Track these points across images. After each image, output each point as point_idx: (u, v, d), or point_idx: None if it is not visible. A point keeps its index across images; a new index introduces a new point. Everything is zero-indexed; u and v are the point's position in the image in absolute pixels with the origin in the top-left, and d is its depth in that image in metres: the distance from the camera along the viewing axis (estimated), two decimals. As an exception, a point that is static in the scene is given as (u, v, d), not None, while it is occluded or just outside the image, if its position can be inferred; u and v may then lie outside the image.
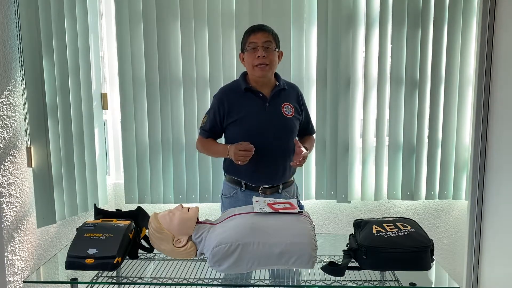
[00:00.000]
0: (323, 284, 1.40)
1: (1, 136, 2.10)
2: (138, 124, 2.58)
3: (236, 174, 1.98)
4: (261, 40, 1.86)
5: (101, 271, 1.48)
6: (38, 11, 2.18)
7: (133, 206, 1.74)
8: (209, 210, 2.64)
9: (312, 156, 2.62)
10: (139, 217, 1.57)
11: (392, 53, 2.57)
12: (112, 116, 2.76)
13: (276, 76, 2.00)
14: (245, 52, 1.91)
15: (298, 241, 1.35)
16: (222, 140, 2.07)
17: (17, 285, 2.20)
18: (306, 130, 2.13)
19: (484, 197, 2.51)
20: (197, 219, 1.49)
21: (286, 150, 1.96)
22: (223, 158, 2.05)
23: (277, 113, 1.93)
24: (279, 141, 1.94)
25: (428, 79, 2.58)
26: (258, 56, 1.86)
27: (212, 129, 2.00)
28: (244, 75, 2.00)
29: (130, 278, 1.43)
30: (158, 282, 1.41)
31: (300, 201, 2.13)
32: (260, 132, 1.90)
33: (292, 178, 2.07)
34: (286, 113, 1.95)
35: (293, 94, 2.02)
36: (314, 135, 2.22)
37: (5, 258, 2.13)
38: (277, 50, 1.92)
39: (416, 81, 2.58)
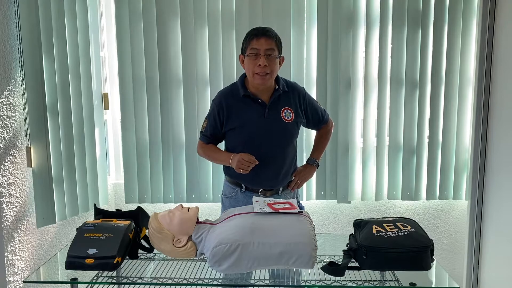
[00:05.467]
0: (323, 284, 1.40)
1: (1, 136, 2.10)
2: (138, 124, 2.58)
3: (236, 177, 1.97)
4: (263, 47, 1.81)
5: (101, 271, 1.48)
6: (38, 11, 2.18)
7: (133, 206, 1.74)
8: (209, 210, 2.64)
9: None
10: (139, 217, 1.57)
11: (392, 54, 2.57)
12: (112, 116, 2.76)
13: (276, 78, 1.94)
14: (246, 57, 1.86)
15: (298, 241, 1.35)
16: (222, 144, 2.07)
17: (17, 285, 2.20)
18: (320, 122, 2.09)
19: (484, 197, 2.51)
20: (197, 219, 1.49)
21: (286, 155, 1.95)
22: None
23: (277, 119, 1.91)
24: (279, 147, 1.93)
25: (428, 79, 2.58)
26: (259, 65, 1.81)
27: (213, 135, 1.98)
28: (243, 78, 1.96)
29: (130, 278, 1.43)
30: (158, 282, 1.41)
31: (300, 202, 2.13)
32: (260, 138, 1.89)
33: (292, 178, 2.06)
34: (286, 118, 1.93)
35: (294, 96, 1.97)
36: (330, 123, 2.15)
37: (5, 258, 2.13)
38: (278, 57, 1.87)
39: (416, 81, 2.58)
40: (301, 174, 2.06)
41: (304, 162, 2.15)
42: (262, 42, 1.81)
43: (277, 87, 1.93)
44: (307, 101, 2.02)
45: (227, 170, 2.01)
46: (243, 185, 1.97)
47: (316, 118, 2.07)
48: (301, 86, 2.08)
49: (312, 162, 2.11)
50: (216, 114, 1.94)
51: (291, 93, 1.98)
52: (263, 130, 1.89)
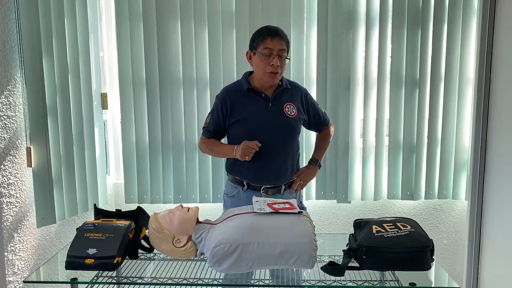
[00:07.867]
0: (323, 284, 1.40)
1: (1, 136, 2.10)
2: (138, 124, 2.58)
3: (238, 174, 1.98)
4: (277, 47, 1.85)
5: (101, 271, 1.48)
6: (38, 11, 2.18)
7: (133, 206, 1.74)
8: (209, 210, 2.64)
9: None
10: (139, 217, 1.57)
11: (392, 53, 2.57)
12: (112, 116, 2.76)
13: None
14: (257, 54, 1.88)
15: (298, 241, 1.35)
16: (224, 140, 2.07)
17: (17, 285, 2.20)
18: (321, 124, 2.13)
19: (484, 197, 2.51)
20: (197, 219, 1.49)
21: (288, 150, 1.96)
22: (224, 158, 2.05)
23: (280, 113, 1.94)
24: (282, 141, 1.94)
25: (428, 79, 2.58)
26: (272, 64, 1.85)
27: (216, 130, 2.00)
28: (247, 75, 1.99)
29: (130, 278, 1.43)
30: (158, 282, 1.41)
31: (302, 202, 2.13)
32: (262, 132, 1.90)
33: (294, 178, 2.07)
34: (289, 113, 1.95)
35: (296, 94, 2.01)
36: (330, 126, 2.18)
37: (5, 258, 2.13)
38: (288, 58, 1.92)
39: (416, 81, 2.58)
40: (303, 174, 2.06)
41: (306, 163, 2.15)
42: (276, 42, 1.86)
43: (280, 83, 1.97)
44: (309, 101, 2.06)
45: (230, 167, 2.02)
46: (245, 183, 1.97)
47: (318, 119, 2.10)
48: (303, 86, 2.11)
49: (314, 162, 2.12)
50: (219, 109, 1.95)
51: (294, 91, 2.02)
52: (265, 124, 1.91)
